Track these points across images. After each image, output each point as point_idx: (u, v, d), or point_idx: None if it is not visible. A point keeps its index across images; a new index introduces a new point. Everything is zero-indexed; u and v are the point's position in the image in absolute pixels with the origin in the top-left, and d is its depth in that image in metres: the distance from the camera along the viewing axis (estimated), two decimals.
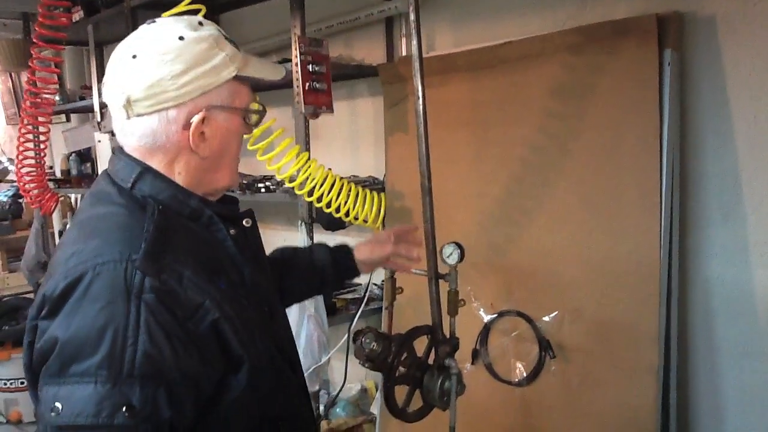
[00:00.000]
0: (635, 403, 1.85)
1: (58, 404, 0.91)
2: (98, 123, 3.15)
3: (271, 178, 2.90)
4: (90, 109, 3.67)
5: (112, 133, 3.12)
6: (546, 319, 2.06)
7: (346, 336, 2.48)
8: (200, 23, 1.11)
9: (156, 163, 1.10)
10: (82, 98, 3.68)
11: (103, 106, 3.20)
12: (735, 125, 1.86)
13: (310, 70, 2.27)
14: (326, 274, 1.57)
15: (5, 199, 4.35)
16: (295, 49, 2.26)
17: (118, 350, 0.92)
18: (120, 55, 1.07)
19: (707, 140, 1.92)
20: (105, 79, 1.09)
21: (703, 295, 1.97)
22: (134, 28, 1.52)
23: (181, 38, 1.05)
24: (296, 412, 1.26)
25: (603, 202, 1.94)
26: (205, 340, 1.01)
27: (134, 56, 1.05)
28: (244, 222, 1.21)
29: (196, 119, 1.06)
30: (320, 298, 2.44)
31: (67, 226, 3.93)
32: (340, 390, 2.66)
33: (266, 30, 3.10)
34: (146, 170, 1.09)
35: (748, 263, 1.88)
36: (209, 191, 1.15)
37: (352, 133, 2.98)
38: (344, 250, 1.60)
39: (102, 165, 3.15)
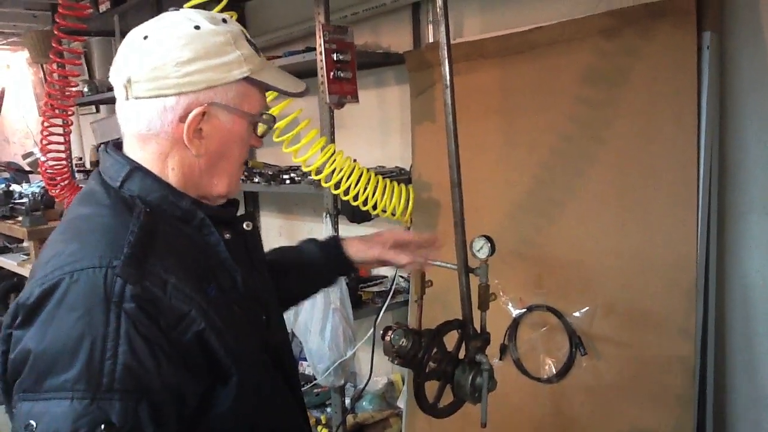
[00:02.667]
0: (670, 397, 1.79)
1: (32, 422, 0.86)
2: None
3: (296, 169, 2.87)
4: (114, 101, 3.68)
5: None
6: (577, 314, 2.00)
7: (372, 329, 2.45)
8: (224, 20, 1.05)
9: (149, 155, 1.04)
10: (110, 89, 3.68)
11: None
12: None
13: (335, 58, 2.23)
14: (318, 271, 1.49)
15: (38, 190, 4.38)
16: (319, 37, 2.22)
17: (96, 363, 0.86)
18: (133, 36, 1.03)
19: (748, 128, 1.84)
20: (115, 57, 1.05)
21: (742, 290, 1.90)
22: None
23: (197, 27, 1.01)
24: (288, 425, 1.20)
25: (637, 193, 1.87)
26: (190, 351, 0.95)
27: (145, 37, 1.00)
28: (244, 225, 1.15)
29: (194, 113, 1.00)
30: (345, 291, 2.41)
31: None
32: (367, 383, 2.63)
33: (291, 18, 3.07)
34: (136, 169, 1.03)
35: None
36: (204, 195, 1.09)
37: (379, 123, 2.93)
38: (332, 244, 1.51)
39: None
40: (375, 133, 2.95)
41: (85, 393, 0.85)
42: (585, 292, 1.98)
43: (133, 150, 1.05)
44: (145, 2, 3.21)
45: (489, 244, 1.50)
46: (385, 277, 2.87)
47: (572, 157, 2.01)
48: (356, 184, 2.13)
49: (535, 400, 2.09)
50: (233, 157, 1.09)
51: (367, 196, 2.16)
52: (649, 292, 1.84)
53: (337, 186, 2.16)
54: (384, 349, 1.46)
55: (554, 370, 2.05)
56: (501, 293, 2.14)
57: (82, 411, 0.85)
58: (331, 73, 2.21)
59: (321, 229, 2.44)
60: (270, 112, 1.14)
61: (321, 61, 2.22)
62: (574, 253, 2.01)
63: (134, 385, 0.88)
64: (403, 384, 2.89)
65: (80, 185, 3.67)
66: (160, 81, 0.98)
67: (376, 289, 2.73)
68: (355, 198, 2.16)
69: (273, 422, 1.13)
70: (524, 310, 2.12)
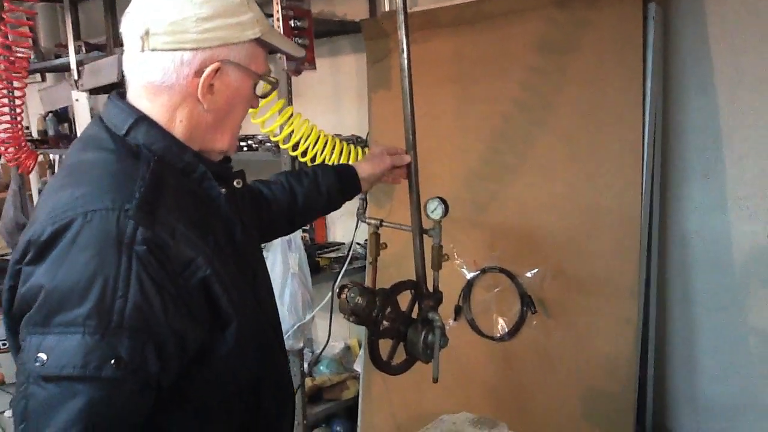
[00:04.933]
0: (615, 353, 1.89)
1: (42, 354, 0.89)
2: (75, 81, 3.08)
3: (253, 137, 2.87)
4: (65, 68, 3.60)
5: (90, 92, 3.08)
6: (528, 275, 2.08)
7: (330, 294, 2.50)
8: None
9: (158, 106, 1.06)
10: (57, 56, 3.60)
11: (80, 63, 3.13)
12: (717, 80, 1.87)
13: (292, 25, 2.23)
14: (331, 197, 1.60)
15: None
16: (277, 4, 2.22)
17: (107, 301, 0.89)
18: None
19: (690, 95, 1.93)
20: (128, 9, 1.06)
21: (682, 249, 2.01)
22: None
23: None
24: (277, 374, 1.25)
25: (586, 157, 1.95)
26: (194, 297, 0.98)
27: None
28: (234, 182, 1.19)
29: (210, 68, 1.04)
30: (304, 256, 2.45)
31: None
32: (324, 348, 2.69)
33: None
34: (142, 118, 1.05)
35: (726, 218, 1.91)
36: (205, 149, 1.12)
37: (333, 91, 2.95)
38: (350, 173, 1.63)
39: (81, 125, 3.08)
40: (330, 101, 2.97)
41: (96, 328, 0.88)
42: (536, 254, 2.06)
43: (139, 100, 1.07)
44: None
45: (443, 206, 1.56)
46: (342, 243, 2.91)
47: (524, 124, 2.07)
48: (314, 146, 2.14)
49: (489, 358, 2.17)
50: (237, 114, 1.14)
51: (325, 158, 2.17)
52: (597, 251, 1.93)
53: (295, 148, 2.17)
54: (340, 307, 1.51)
55: (506, 329, 2.13)
56: (456, 257, 2.20)
57: (93, 345, 0.88)
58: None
59: None
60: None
61: (278, 28, 2.21)
62: (526, 217, 2.09)
63: (142, 324, 0.91)
64: (360, 348, 2.95)
65: (33, 150, 3.59)
66: (179, 35, 1.01)
67: (333, 255, 2.78)
68: (313, 160, 2.17)
69: (266, 369, 1.19)
70: (478, 272, 2.19)
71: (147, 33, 1.01)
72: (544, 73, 2.01)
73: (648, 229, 1.88)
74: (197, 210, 1.06)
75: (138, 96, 1.07)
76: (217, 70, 1.04)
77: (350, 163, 1.66)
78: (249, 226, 1.24)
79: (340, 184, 1.60)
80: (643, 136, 1.83)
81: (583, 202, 1.96)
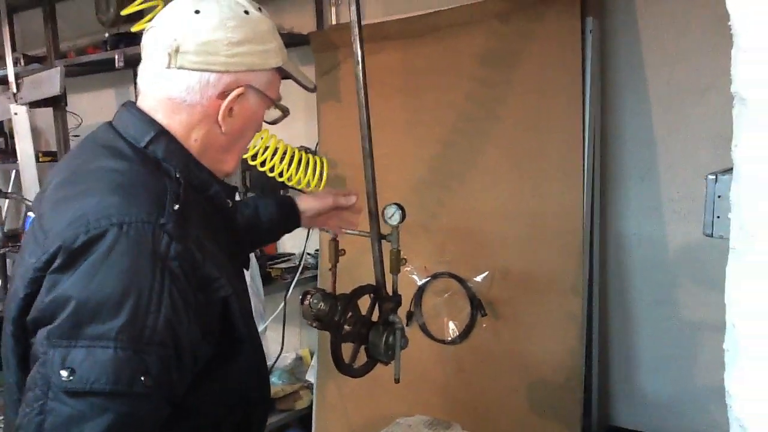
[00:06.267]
0: (562, 350, 1.98)
1: (68, 368, 0.85)
2: (14, 94, 3.01)
3: None
4: (2, 81, 3.50)
5: (30, 105, 3.01)
6: (477, 279, 2.15)
7: (283, 304, 2.51)
8: (260, 8, 1.10)
9: (176, 123, 1.06)
10: None
11: (19, 76, 3.06)
12: (650, 88, 2.00)
13: None
14: (272, 229, 1.57)
15: None
16: None
17: (141, 315, 0.88)
18: (182, 6, 1.05)
19: (626, 103, 2.05)
20: (153, 23, 1.07)
21: (621, 250, 2.12)
22: None
23: (246, 12, 1.05)
24: (265, 392, 1.24)
25: (530, 164, 2.04)
26: (210, 313, 0.98)
27: (197, 11, 1.03)
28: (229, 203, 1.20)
29: (234, 93, 1.05)
30: (256, 266, 2.46)
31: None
32: (278, 357, 2.69)
33: None
34: (163, 133, 1.05)
35: (662, 219, 2.03)
36: (212, 170, 1.12)
37: (283, 102, 2.97)
38: (289, 203, 1.59)
39: (20, 138, 2.99)
40: None
41: (129, 343, 0.87)
42: (484, 257, 2.14)
43: (155, 113, 1.06)
44: None
45: (400, 211, 1.61)
46: (293, 254, 2.93)
47: (471, 133, 2.15)
48: (272, 157, 2.14)
49: (441, 361, 2.23)
50: (247, 138, 1.15)
51: (283, 168, 2.17)
52: (542, 253, 2.02)
53: (254, 158, 2.15)
54: (303, 313, 1.53)
55: (457, 333, 2.20)
56: (407, 264, 2.25)
57: (125, 360, 0.87)
58: None
59: None
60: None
61: None
62: (474, 223, 2.17)
63: (171, 338, 0.91)
64: (312, 358, 2.97)
65: None
66: (210, 56, 1.02)
67: (284, 265, 2.79)
68: (271, 170, 2.17)
69: (264, 390, 1.21)
70: (428, 278, 2.26)
71: (177, 50, 1.01)
72: (488, 84, 2.10)
73: (590, 230, 1.99)
74: (211, 224, 1.06)
75: (154, 109, 1.07)
76: (240, 95, 1.05)
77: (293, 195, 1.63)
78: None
79: (279, 216, 1.56)
80: (583, 143, 1.94)
81: (528, 206, 2.05)
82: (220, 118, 1.06)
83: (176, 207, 0.95)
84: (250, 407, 1.15)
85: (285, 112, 1.20)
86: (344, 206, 1.59)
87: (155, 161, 1.03)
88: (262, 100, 1.11)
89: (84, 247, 0.89)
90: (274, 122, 1.20)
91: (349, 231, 1.71)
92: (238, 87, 1.05)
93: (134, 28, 1.81)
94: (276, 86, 1.14)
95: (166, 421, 0.95)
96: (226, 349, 1.03)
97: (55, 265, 0.90)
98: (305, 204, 1.57)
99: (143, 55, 1.07)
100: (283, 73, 1.14)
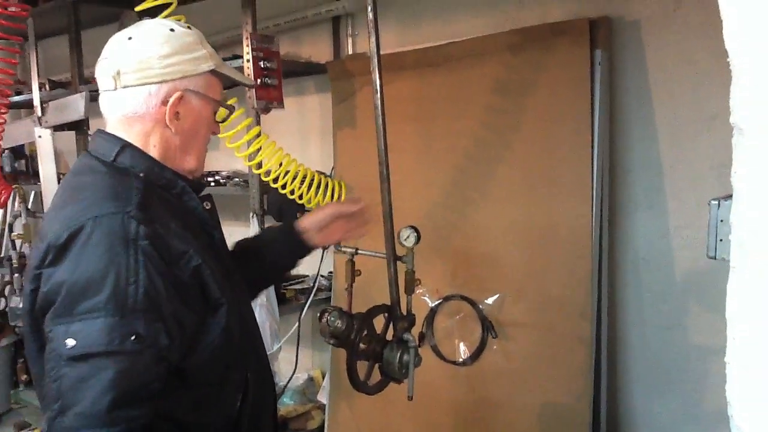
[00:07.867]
0: (571, 373, 2.02)
1: (70, 339, 1.02)
2: (39, 118, 3.11)
3: (218, 172, 2.95)
4: (24, 105, 3.61)
5: (54, 129, 3.10)
6: (488, 301, 2.20)
7: (297, 325, 2.56)
8: (189, 27, 1.28)
9: (134, 134, 1.23)
10: (18, 93, 3.61)
11: (43, 100, 3.15)
12: (657, 120, 2.06)
13: (262, 66, 2.35)
14: (279, 249, 1.61)
15: None
16: (247, 45, 2.33)
17: (122, 287, 1.04)
18: (118, 38, 1.23)
19: (633, 133, 2.11)
20: (101, 56, 1.24)
21: (631, 273, 2.17)
22: (77, 20, 1.51)
23: (171, 30, 1.23)
24: (261, 366, 1.35)
25: (540, 190, 2.10)
26: (187, 286, 1.13)
27: (129, 38, 1.22)
28: (204, 204, 1.31)
29: (174, 96, 1.21)
30: (271, 288, 2.51)
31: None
32: (291, 377, 2.73)
33: (214, 26, 3.14)
34: (126, 146, 1.22)
35: (669, 245, 2.08)
36: (177, 170, 1.27)
37: (298, 129, 3.06)
38: (288, 224, 1.63)
39: (44, 160, 3.08)
40: (295, 138, 3.07)
41: (115, 311, 1.03)
42: (496, 281, 2.19)
43: (118, 132, 1.24)
44: (59, 6, 3.18)
45: (415, 234, 1.68)
46: (306, 276, 2.98)
47: (483, 159, 2.22)
48: (293, 180, 2.17)
49: (452, 382, 2.27)
50: (201, 136, 1.31)
51: (303, 191, 2.20)
52: (553, 279, 2.07)
53: (276, 180, 2.17)
54: (320, 330, 1.59)
55: (468, 354, 2.24)
56: (420, 285, 2.30)
57: (114, 324, 1.03)
58: (259, 80, 2.32)
59: (248, 232, 2.52)
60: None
61: (248, 68, 2.32)
62: (486, 246, 2.22)
63: (152, 306, 1.07)
64: (323, 379, 3.01)
65: (9, 184, 3.47)
66: (146, 71, 1.19)
67: (298, 287, 2.85)
68: (292, 192, 2.19)
69: (252, 359, 1.30)
70: (440, 300, 2.31)
71: (118, 73, 1.19)
72: (500, 112, 2.18)
73: (599, 255, 2.04)
74: (181, 217, 1.21)
75: (116, 129, 1.24)
76: (180, 98, 1.22)
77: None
78: (221, 242, 1.36)
79: (282, 236, 1.61)
80: (592, 171, 2.00)
81: (539, 231, 2.11)
82: (167, 120, 1.22)
83: (138, 198, 1.12)
84: (248, 370, 1.27)
85: (231, 110, 1.38)
86: (348, 213, 1.65)
87: (124, 169, 1.21)
88: (204, 101, 1.26)
89: (67, 242, 1.07)
90: (222, 120, 1.35)
91: (365, 251, 1.76)
92: (176, 92, 1.21)
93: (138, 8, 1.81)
94: (216, 88, 1.30)
95: (172, 388, 1.11)
96: (209, 314, 1.18)
97: (47, 260, 1.08)
98: (304, 222, 1.62)
99: (99, 87, 1.25)
100: (224, 77, 1.30)
